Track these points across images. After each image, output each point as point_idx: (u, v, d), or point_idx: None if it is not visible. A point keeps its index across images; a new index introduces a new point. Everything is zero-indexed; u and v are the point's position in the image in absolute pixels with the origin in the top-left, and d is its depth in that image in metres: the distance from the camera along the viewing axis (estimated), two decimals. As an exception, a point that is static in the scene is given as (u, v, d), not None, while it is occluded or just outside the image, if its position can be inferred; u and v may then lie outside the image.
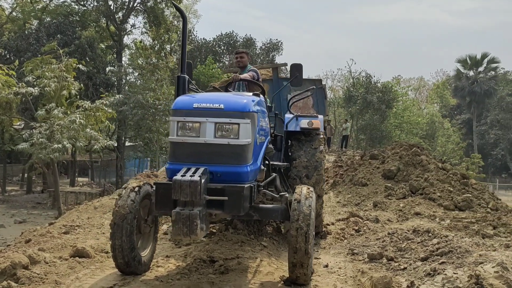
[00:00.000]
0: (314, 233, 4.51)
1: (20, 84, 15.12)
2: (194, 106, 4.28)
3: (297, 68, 5.70)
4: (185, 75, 5.23)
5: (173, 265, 5.20)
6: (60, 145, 14.74)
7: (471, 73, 47.01)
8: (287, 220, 4.63)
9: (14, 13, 30.09)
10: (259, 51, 40.64)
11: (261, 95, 5.22)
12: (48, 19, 27.06)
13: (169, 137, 4.42)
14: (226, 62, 41.20)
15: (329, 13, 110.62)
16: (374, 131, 41.02)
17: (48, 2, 29.10)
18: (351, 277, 4.78)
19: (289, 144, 6.48)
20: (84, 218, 7.19)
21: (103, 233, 6.52)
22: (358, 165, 10.45)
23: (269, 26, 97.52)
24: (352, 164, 11.21)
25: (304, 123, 6.20)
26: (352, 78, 45.07)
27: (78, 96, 17.23)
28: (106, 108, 16.78)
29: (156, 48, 32.62)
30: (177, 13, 33.55)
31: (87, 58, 22.83)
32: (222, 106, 4.26)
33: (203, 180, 3.85)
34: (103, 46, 29.01)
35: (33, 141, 15.11)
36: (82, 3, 28.20)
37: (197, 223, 3.74)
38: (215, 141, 4.22)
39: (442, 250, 4.61)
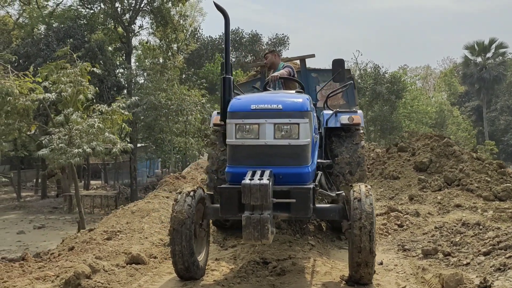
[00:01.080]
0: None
1: (38, 90, 15.11)
2: (252, 108, 4.23)
3: (339, 64, 5.62)
4: (230, 76, 5.17)
5: (226, 268, 5.16)
6: (80, 150, 14.75)
7: (479, 59, 46.62)
8: (345, 219, 4.58)
9: (21, 19, 30.12)
10: (265, 46, 40.44)
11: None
12: (56, 24, 27.03)
13: (227, 140, 4.37)
14: (233, 59, 41.10)
15: (327, 3, 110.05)
16: (384, 122, 40.80)
17: (55, 7, 29.09)
18: (411, 274, 4.72)
19: (329, 140, 6.41)
20: (123, 223, 7.16)
21: (146, 237, 6.49)
22: (387, 158, 10.37)
23: (272, 19, 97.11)
24: (378, 157, 11.12)
25: (344, 119, 6.13)
26: (360, 69, 44.85)
27: (94, 100, 17.19)
28: (122, 111, 16.78)
29: (163, 47, 32.62)
30: (183, 12, 33.51)
31: (100, 61, 22.80)
32: (280, 106, 4.20)
33: (271, 183, 3.80)
34: (110, 49, 28.95)
35: (53, 146, 15.13)
36: (89, 6, 28.16)
37: (268, 227, 3.70)
38: (275, 142, 4.16)
39: (505, 243, 4.54)
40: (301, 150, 4.23)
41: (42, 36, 25.39)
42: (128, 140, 29.36)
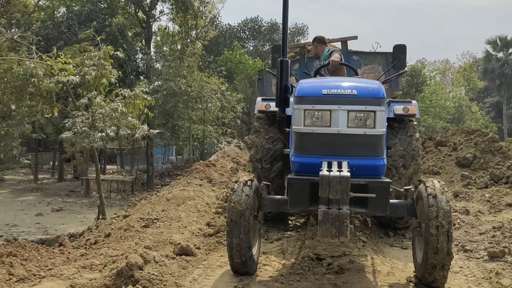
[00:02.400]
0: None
1: (62, 72, 14.89)
2: (323, 93, 3.90)
3: (400, 50, 5.26)
4: (288, 59, 4.85)
5: (278, 263, 4.89)
6: (103, 134, 14.55)
7: (501, 54, 45.65)
8: (413, 217, 4.27)
9: (41, 2, 29.92)
10: (284, 35, 39.90)
11: None
12: (77, 7, 26.79)
13: (293, 127, 4.05)
14: (251, 48, 40.66)
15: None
16: (403, 116, 40.13)
17: (76, -11, 28.83)
18: (483, 278, 4.40)
19: None
20: (159, 211, 6.92)
21: (185, 226, 6.24)
22: (425, 152, 9.98)
23: (290, 9, 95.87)
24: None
25: (398, 109, 5.77)
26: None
27: (117, 84, 16.97)
28: (145, 96, 16.53)
29: (182, 34, 32.26)
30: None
31: (120, 46, 22.52)
32: (355, 92, 3.87)
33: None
34: (130, 34, 28.66)
35: (76, 129, 14.95)
36: (109, -11, 27.85)
37: (347, 224, 3.40)
38: (349, 131, 3.84)
39: None
40: (377, 140, 3.91)
41: (64, 18, 25.17)
42: (146, 126, 29.21)
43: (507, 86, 45.08)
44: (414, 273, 4.40)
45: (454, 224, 6.39)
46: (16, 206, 21.67)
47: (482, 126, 42.16)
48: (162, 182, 29.47)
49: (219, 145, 24.34)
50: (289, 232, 6.17)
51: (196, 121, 25.30)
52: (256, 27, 39.11)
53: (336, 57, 5.68)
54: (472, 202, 7.33)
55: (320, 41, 6.62)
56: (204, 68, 30.54)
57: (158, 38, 35.07)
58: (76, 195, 25.60)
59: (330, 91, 3.90)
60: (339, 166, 3.58)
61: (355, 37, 8.44)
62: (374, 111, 3.84)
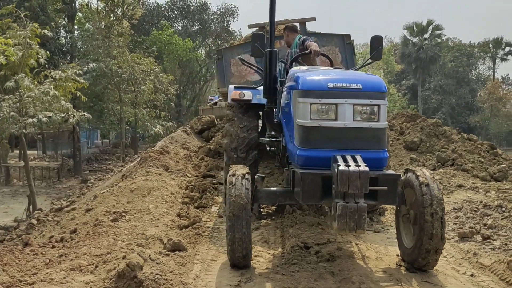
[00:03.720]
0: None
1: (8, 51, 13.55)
2: (329, 87, 3.91)
3: (377, 41, 5.38)
4: (276, 49, 4.80)
5: (267, 254, 4.92)
6: (35, 119, 13.53)
7: (417, 39, 48.61)
8: (403, 204, 4.46)
9: None
10: (213, 16, 39.35)
11: None
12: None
13: (298, 120, 4.02)
14: (180, 28, 39.66)
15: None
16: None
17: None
18: (462, 258, 4.73)
19: None
20: (124, 203, 6.59)
21: (157, 219, 6.02)
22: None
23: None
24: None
25: None
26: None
27: (46, 65, 15.80)
28: (78, 78, 15.58)
29: (107, 11, 30.59)
30: (131, -26, 31.45)
31: (48, 23, 20.90)
32: (360, 85, 3.92)
33: None
34: (51, 10, 26.64)
35: (2, 115, 13.74)
36: (27, -39, 25.55)
37: (365, 217, 3.47)
38: (356, 124, 3.90)
39: (555, 227, 4.66)
40: (381, 133, 4.02)
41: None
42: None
43: (422, 70, 48.23)
44: (400, 258, 4.62)
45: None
46: None
47: (400, 107, 44.89)
48: (90, 168, 28.16)
49: (153, 128, 23.64)
50: (264, 220, 6.19)
51: (127, 104, 24.31)
52: (185, 6, 38.12)
53: (316, 46, 5.72)
54: (425, 184, 7.79)
55: (291, 29, 6.61)
56: (134, 48, 29.29)
57: (81, 15, 32.96)
58: (-7, 183, 23.70)
59: (335, 85, 3.92)
60: (354, 160, 3.64)
61: (313, 19, 8.54)
62: (379, 105, 3.94)
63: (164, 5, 37.86)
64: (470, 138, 9.08)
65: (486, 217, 5.70)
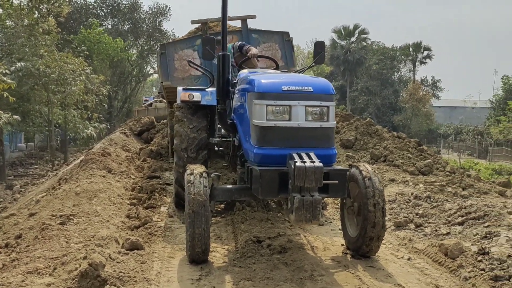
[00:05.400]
0: None
1: None
2: (283, 89, 4.20)
3: (320, 46, 5.76)
4: (228, 53, 5.02)
5: (222, 249, 5.11)
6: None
7: (344, 42, 50.80)
8: (348, 197, 4.85)
9: None
10: (145, 15, 38.67)
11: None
12: None
13: (255, 121, 4.27)
14: (110, 26, 38.54)
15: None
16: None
17: None
18: (399, 245, 5.21)
19: None
20: (70, 206, 6.48)
21: (107, 221, 6.00)
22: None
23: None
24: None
25: None
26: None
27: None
28: (5, 78, 14.81)
29: (30, 8, 29.08)
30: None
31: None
32: (311, 88, 4.25)
33: None
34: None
35: None
36: None
37: (320, 209, 3.79)
38: (308, 124, 4.22)
39: (477, 214, 5.27)
40: (330, 132, 4.37)
41: None
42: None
43: (350, 72, 50.52)
44: (345, 246, 5.02)
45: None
46: None
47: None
48: (15, 173, 26.62)
49: (85, 131, 22.87)
50: (214, 218, 6.37)
51: (56, 105, 23.29)
52: (115, 5, 37.10)
53: (255, 51, 6.02)
54: (361, 179, 8.35)
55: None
56: (63, 48, 28.10)
57: (0, 11, 31.03)
58: None
59: (289, 87, 4.21)
60: (308, 157, 3.94)
61: (254, 16, 8.84)
62: (328, 106, 4.29)
63: (92, 2, 36.64)
64: (400, 136, 9.84)
65: (417, 207, 6.28)
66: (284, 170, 4.00)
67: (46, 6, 31.38)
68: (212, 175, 4.64)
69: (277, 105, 4.18)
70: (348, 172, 4.57)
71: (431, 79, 58.06)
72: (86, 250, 4.32)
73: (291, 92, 4.20)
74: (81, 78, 22.99)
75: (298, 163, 3.81)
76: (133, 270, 4.08)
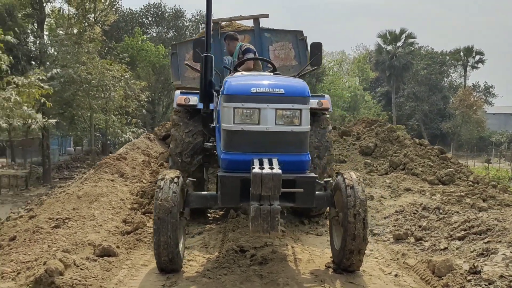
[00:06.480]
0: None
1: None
2: (252, 91, 3.97)
3: (317, 47, 5.48)
4: (212, 55, 4.85)
5: (202, 258, 4.93)
6: (-5, 125, 13.30)
7: (390, 47, 49.50)
8: (332, 207, 4.54)
9: None
10: (188, 23, 39.38)
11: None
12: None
13: (223, 124, 4.07)
14: (154, 34, 39.53)
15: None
16: (303, 105, 41.91)
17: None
18: (391, 259, 4.83)
19: None
20: (69, 209, 6.53)
21: (100, 225, 5.98)
22: (331, 141, 10.56)
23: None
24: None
25: (313, 103, 6.04)
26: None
27: (8, 71, 15.56)
28: (42, 84, 15.38)
29: (79, 17, 30.33)
30: (103, -20, 31.32)
31: (13, 29, 20.59)
32: (282, 90, 4.00)
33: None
34: (20, 15, 26.31)
35: (-38, 121, 13.47)
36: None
37: (278, 219, 3.54)
38: (277, 128, 3.97)
39: (480, 228, 4.80)
40: (303, 137, 4.09)
41: None
42: (41, 116, 27.15)
43: (396, 77, 49.11)
44: (332, 259, 4.70)
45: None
46: None
47: (374, 114, 45.50)
48: (60, 176, 27.71)
49: (124, 135, 23.46)
50: (209, 225, 6.22)
51: (97, 111, 24.08)
52: (159, 13, 38.04)
53: (249, 63, 5.87)
54: (375, 188, 7.95)
55: (231, 38, 6.70)
56: (105, 54, 29.07)
57: (52, 21, 32.58)
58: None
59: (258, 89, 3.98)
60: (270, 163, 3.69)
61: (266, 15, 8.68)
62: (300, 109, 4.02)
63: (138, 11, 37.73)
64: (421, 143, 9.30)
65: (422, 219, 5.83)
66: (246, 177, 3.76)
67: (93, 15, 32.70)
68: (187, 180, 4.47)
69: (245, 108, 3.96)
70: (331, 180, 4.28)
71: (484, 85, 55.51)
72: (51, 255, 4.27)
73: (261, 94, 3.97)
74: (120, 84, 23.63)
75: (255, 170, 3.57)
76: (94, 277, 3.98)
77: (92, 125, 23.75)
